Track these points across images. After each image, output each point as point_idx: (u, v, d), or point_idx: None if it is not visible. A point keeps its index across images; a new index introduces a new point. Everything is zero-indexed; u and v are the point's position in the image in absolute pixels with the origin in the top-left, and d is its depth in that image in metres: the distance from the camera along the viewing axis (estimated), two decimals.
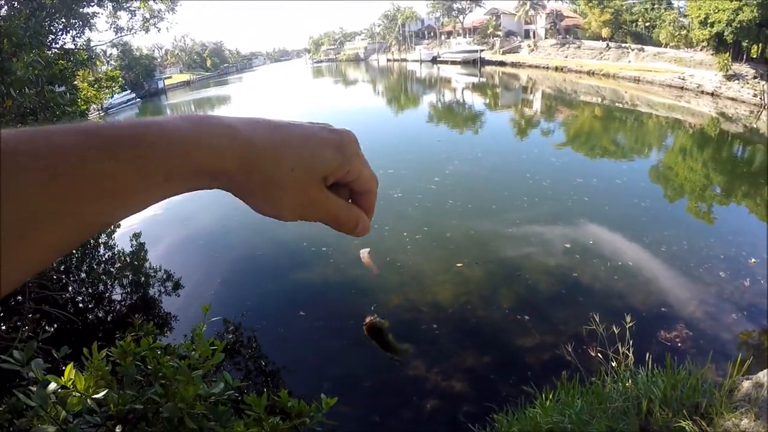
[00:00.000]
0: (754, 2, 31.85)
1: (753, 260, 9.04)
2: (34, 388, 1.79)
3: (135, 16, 13.61)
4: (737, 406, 3.94)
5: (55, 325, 7.17)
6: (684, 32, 40.81)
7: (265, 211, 0.54)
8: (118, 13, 13.23)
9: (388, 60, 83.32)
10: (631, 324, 4.70)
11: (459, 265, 8.93)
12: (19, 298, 7.21)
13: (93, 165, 0.38)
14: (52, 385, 1.80)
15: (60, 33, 10.25)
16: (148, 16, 13.72)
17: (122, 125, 0.41)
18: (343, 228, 0.59)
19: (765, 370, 4.69)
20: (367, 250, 0.88)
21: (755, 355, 6.33)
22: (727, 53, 33.05)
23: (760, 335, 7.10)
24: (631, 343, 4.70)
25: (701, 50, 37.76)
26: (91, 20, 10.86)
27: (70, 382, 1.84)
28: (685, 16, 41.35)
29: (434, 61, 68.90)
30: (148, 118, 0.43)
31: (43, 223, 0.36)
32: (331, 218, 0.57)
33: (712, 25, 33.99)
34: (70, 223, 0.38)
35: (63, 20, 10.05)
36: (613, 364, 4.70)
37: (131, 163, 0.40)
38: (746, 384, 4.52)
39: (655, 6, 53.23)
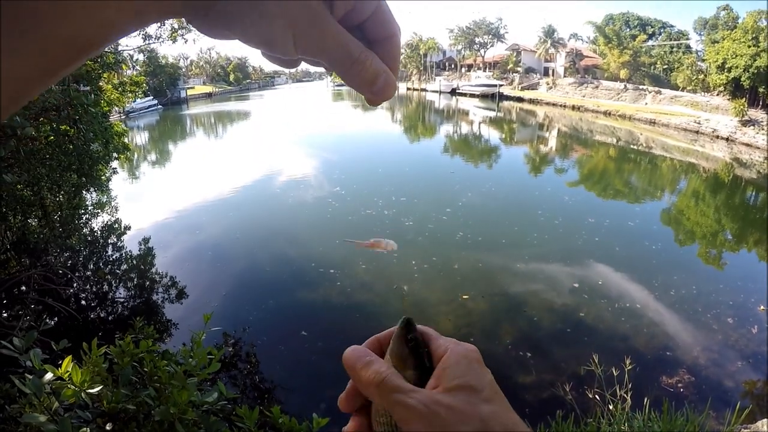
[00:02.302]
0: None
1: (762, 307, 8.94)
2: (30, 377, 1.82)
3: (164, 25, 13.83)
4: None
5: (56, 319, 7.20)
6: (701, 76, 40.90)
7: (250, 34, 0.42)
8: None
9: (408, 89, 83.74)
10: (630, 367, 4.65)
11: (465, 296, 8.90)
12: (24, 288, 7.24)
13: None
14: (49, 375, 1.82)
15: None
16: (176, 26, 13.93)
17: None
18: (360, 74, 0.45)
19: (764, 420, 4.62)
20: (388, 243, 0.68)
21: (757, 404, 6.25)
22: (744, 99, 33.09)
23: (764, 384, 6.99)
24: (630, 386, 4.65)
25: (718, 95, 37.82)
26: None
27: (67, 375, 1.86)
28: (703, 60, 41.52)
29: (453, 92, 69.17)
30: None
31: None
32: (341, 52, 0.44)
33: (729, 70, 34.09)
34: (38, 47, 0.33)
35: None
36: (610, 407, 4.65)
37: None
38: None
39: (674, 49, 53.54)
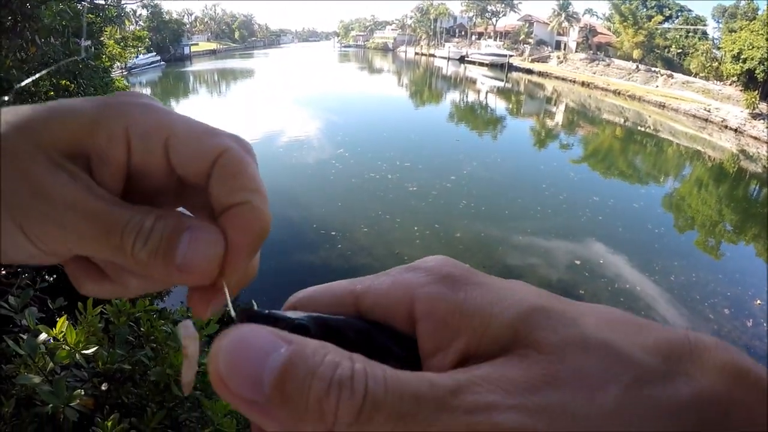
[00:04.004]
0: None
1: (758, 301, 8.93)
2: (25, 336, 1.78)
3: None
4: None
5: (54, 276, 7.14)
6: (715, 64, 40.43)
7: None
8: None
9: (416, 53, 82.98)
10: None
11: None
12: None
13: None
14: (43, 336, 1.78)
15: None
16: None
17: None
18: (136, 250, 0.29)
19: None
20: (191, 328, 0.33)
21: None
22: (756, 91, 32.74)
23: None
24: None
25: (731, 85, 37.41)
26: None
27: (61, 335, 1.81)
28: (719, 48, 40.94)
29: (462, 60, 68.42)
30: None
31: None
32: (93, 227, 0.28)
33: (744, 61, 33.67)
34: None
35: None
36: None
37: None
38: None
39: (690, 34, 52.85)
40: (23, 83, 4.72)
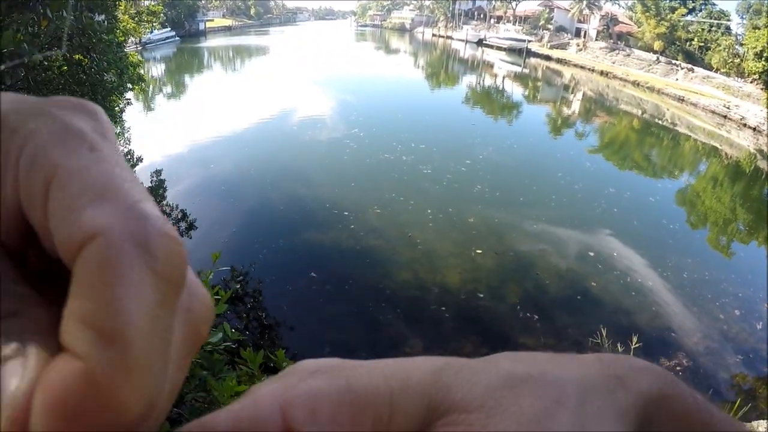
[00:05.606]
0: None
1: None
2: None
3: None
4: None
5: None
6: (737, 61, 39.83)
7: None
8: None
9: (434, 35, 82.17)
10: (637, 345, 4.58)
11: (478, 251, 8.81)
12: None
13: None
14: None
15: None
16: None
17: None
18: None
19: (761, 421, 4.55)
20: None
21: (744, 399, 6.20)
22: None
23: (754, 381, 6.91)
24: None
25: (752, 82, 36.86)
26: None
27: None
28: (742, 45, 40.31)
29: (480, 43, 67.67)
30: None
31: None
32: None
33: (767, 59, 33.12)
34: None
35: None
36: None
37: None
38: None
39: (713, 29, 52.02)
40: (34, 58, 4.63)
